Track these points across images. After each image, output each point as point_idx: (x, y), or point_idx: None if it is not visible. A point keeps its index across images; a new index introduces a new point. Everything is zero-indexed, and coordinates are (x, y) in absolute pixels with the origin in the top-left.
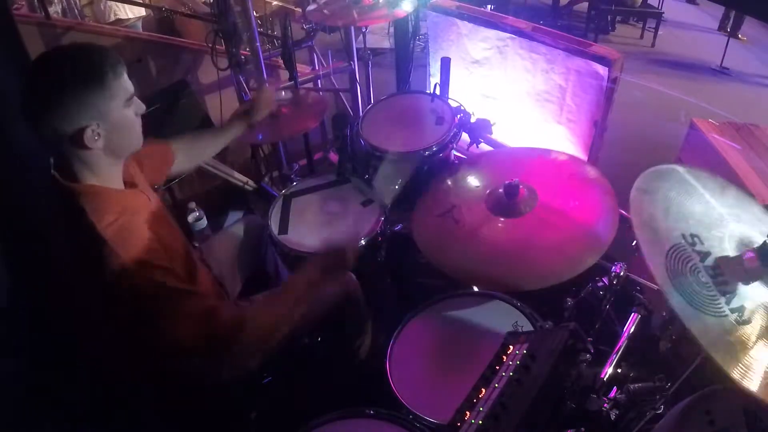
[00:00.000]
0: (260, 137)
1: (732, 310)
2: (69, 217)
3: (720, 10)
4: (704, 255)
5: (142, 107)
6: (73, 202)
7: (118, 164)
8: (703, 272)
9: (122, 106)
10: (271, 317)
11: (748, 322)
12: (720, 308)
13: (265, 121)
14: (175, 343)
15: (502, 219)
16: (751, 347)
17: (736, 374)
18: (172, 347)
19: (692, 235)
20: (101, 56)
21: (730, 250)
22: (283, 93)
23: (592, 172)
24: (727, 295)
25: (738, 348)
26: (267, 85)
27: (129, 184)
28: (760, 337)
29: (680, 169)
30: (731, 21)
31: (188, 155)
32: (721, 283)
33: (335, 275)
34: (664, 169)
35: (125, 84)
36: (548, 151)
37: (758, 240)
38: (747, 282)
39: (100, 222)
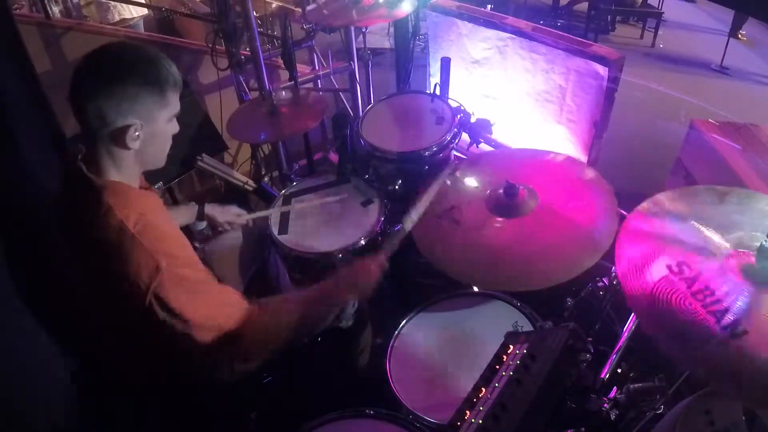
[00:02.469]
0: (262, 137)
1: (724, 328)
2: (92, 210)
3: (720, 10)
4: (691, 281)
5: (176, 129)
6: (97, 196)
7: (139, 171)
8: (690, 299)
9: (167, 119)
10: (280, 324)
11: (743, 334)
12: (711, 330)
13: (265, 120)
14: (197, 335)
15: (501, 219)
16: (749, 358)
17: (734, 389)
18: (193, 340)
19: (679, 264)
20: (169, 66)
21: (719, 267)
22: (283, 93)
23: (591, 174)
24: (718, 314)
25: (733, 363)
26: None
27: (143, 188)
28: (757, 345)
29: (664, 198)
30: (733, 21)
31: None
32: (710, 304)
33: (355, 294)
34: (644, 209)
35: (177, 101)
36: (547, 153)
37: (757, 242)
38: (739, 296)
39: (127, 219)
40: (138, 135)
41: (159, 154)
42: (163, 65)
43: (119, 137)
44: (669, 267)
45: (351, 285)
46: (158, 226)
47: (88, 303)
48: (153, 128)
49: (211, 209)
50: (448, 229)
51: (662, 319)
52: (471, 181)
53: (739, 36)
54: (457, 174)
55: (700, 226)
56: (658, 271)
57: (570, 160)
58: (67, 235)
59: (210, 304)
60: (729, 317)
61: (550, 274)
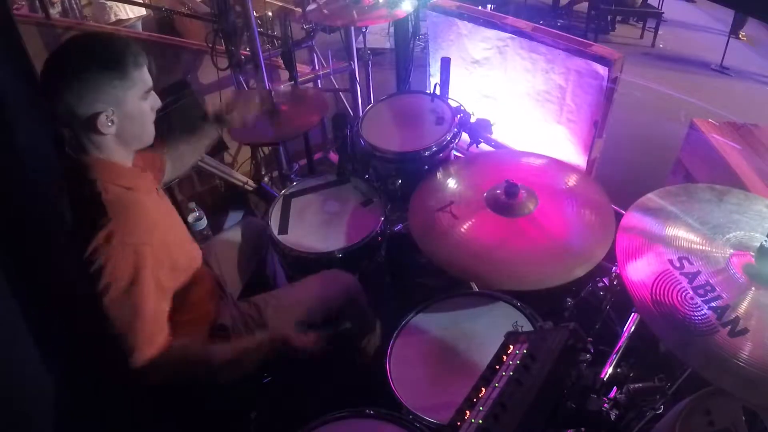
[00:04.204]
0: (270, 134)
1: (724, 324)
2: (80, 190)
3: (720, 10)
4: (693, 276)
5: (158, 102)
6: (85, 174)
7: (129, 153)
8: (692, 294)
9: (139, 97)
10: (192, 361)
11: (743, 332)
12: (712, 327)
13: (265, 120)
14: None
15: (500, 218)
16: (748, 356)
17: (732, 386)
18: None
19: (680, 258)
20: (125, 46)
21: (722, 264)
22: (283, 87)
23: (592, 186)
24: (719, 311)
25: (733, 360)
26: (251, 88)
27: (139, 168)
28: (757, 344)
29: (662, 195)
30: (733, 21)
31: (173, 165)
32: (710, 301)
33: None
34: (647, 199)
35: (144, 76)
36: (550, 158)
37: (757, 242)
38: (740, 294)
39: (106, 192)
40: (111, 120)
41: (141, 132)
42: (118, 46)
43: (92, 125)
44: (670, 261)
45: (270, 346)
46: (136, 207)
47: (87, 297)
48: (125, 110)
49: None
50: (447, 224)
51: (664, 312)
52: (471, 178)
53: (740, 36)
54: (452, 170)
55: (701, 225)
56: (659, 264)
57: (572, 169)
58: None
59: (143, 308)
60: (730, 314)
61: (538, 277)
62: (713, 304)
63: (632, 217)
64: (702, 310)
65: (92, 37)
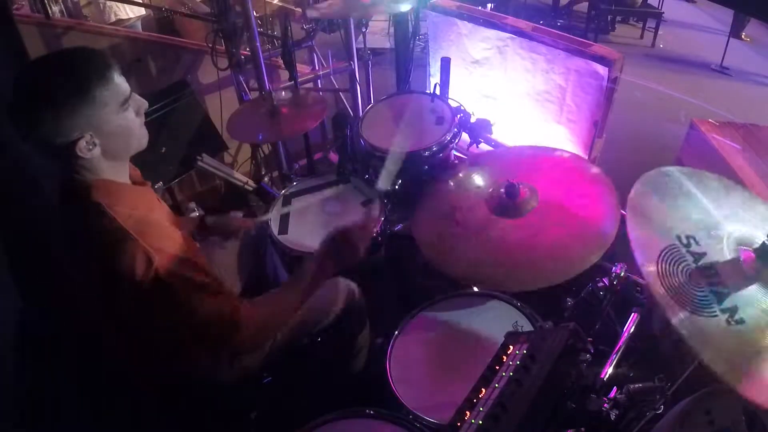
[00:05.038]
0: (260, 137)
1: (723, 311)
2: (84, 211)
3: (720, 10)
4: (698, 256)
5: (142, 105)
6: (87, 196)
7: (123, 164)
8: (696, 273)
9: (116, 111)
10: (273, 316)
11: (741, 322)
12: (711, 309)
13: (265, 120)
14: (193, 334)
15: (503, 219)
16: (744, 348)
17: (727, 376)
18: (189, 338)
19: (688, 237)
20: (86, 65)
21: (728, 253)
22: (283, 93)
23: (593, 169)
24: (720, 296)
25: (729, 349)
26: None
27: (138, 183)
28: (754, 337)
29: (680, 171)
30: (733, 22)
31: None
32: (714, 284)
33: (342, 263)
34: (665, 171)
35: (117, 88)
36: (549, 149)
37: (759, 241)
38: (743, 286)
39: (119, 215)
40: (92, 144)
41: (129, 143)
42: (77, 68)
43: (72, 151)
44: (678, 237)
45: (335, 258)
46: (154, 223)
47: (90, 303)
48: (103, 128)
49: (213, 220)
50: (450, 231)
51: (667, 286)
52: (472, 182)
53: (743, 37)
54: (460, 175)
55: (713, 208)
56: (666, 239)
57: (568, 155)
58: (66, 236)
59: (207, 299)
60: (730, 302)
61: (555, 272)
62: (715, 288)
63: (642, 187)
64: (704, 290)
65: (48, 66)
